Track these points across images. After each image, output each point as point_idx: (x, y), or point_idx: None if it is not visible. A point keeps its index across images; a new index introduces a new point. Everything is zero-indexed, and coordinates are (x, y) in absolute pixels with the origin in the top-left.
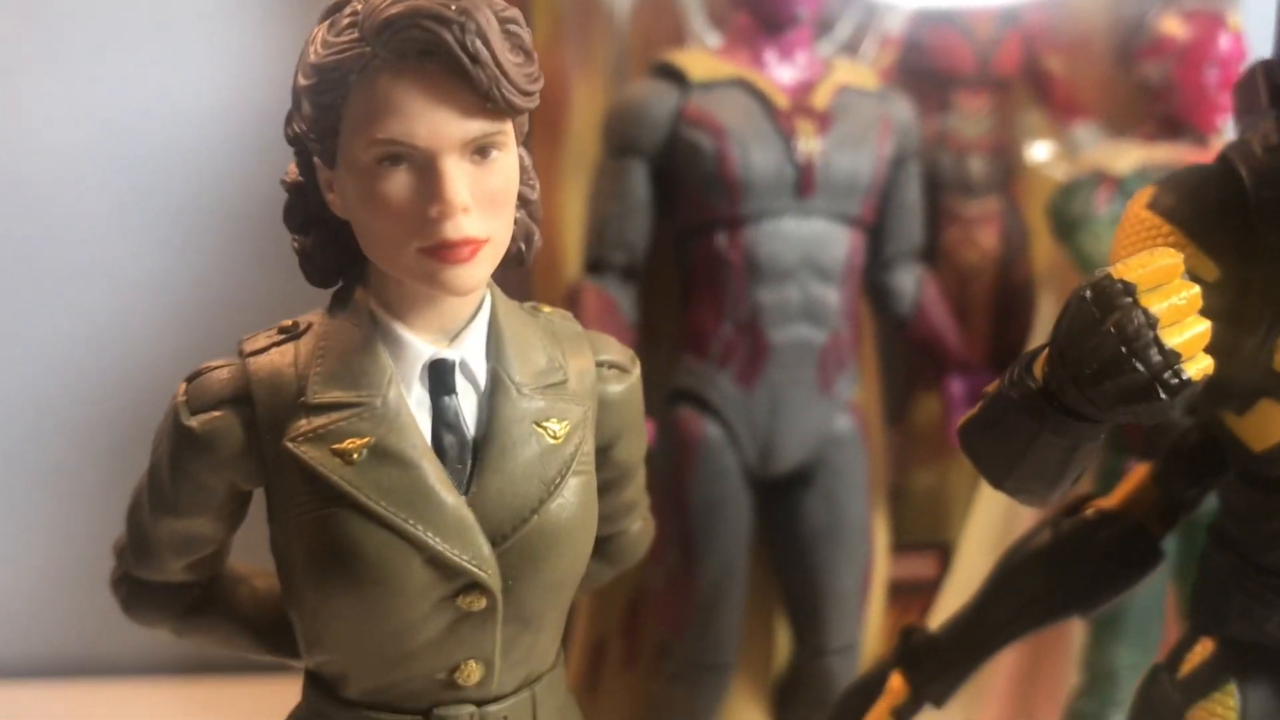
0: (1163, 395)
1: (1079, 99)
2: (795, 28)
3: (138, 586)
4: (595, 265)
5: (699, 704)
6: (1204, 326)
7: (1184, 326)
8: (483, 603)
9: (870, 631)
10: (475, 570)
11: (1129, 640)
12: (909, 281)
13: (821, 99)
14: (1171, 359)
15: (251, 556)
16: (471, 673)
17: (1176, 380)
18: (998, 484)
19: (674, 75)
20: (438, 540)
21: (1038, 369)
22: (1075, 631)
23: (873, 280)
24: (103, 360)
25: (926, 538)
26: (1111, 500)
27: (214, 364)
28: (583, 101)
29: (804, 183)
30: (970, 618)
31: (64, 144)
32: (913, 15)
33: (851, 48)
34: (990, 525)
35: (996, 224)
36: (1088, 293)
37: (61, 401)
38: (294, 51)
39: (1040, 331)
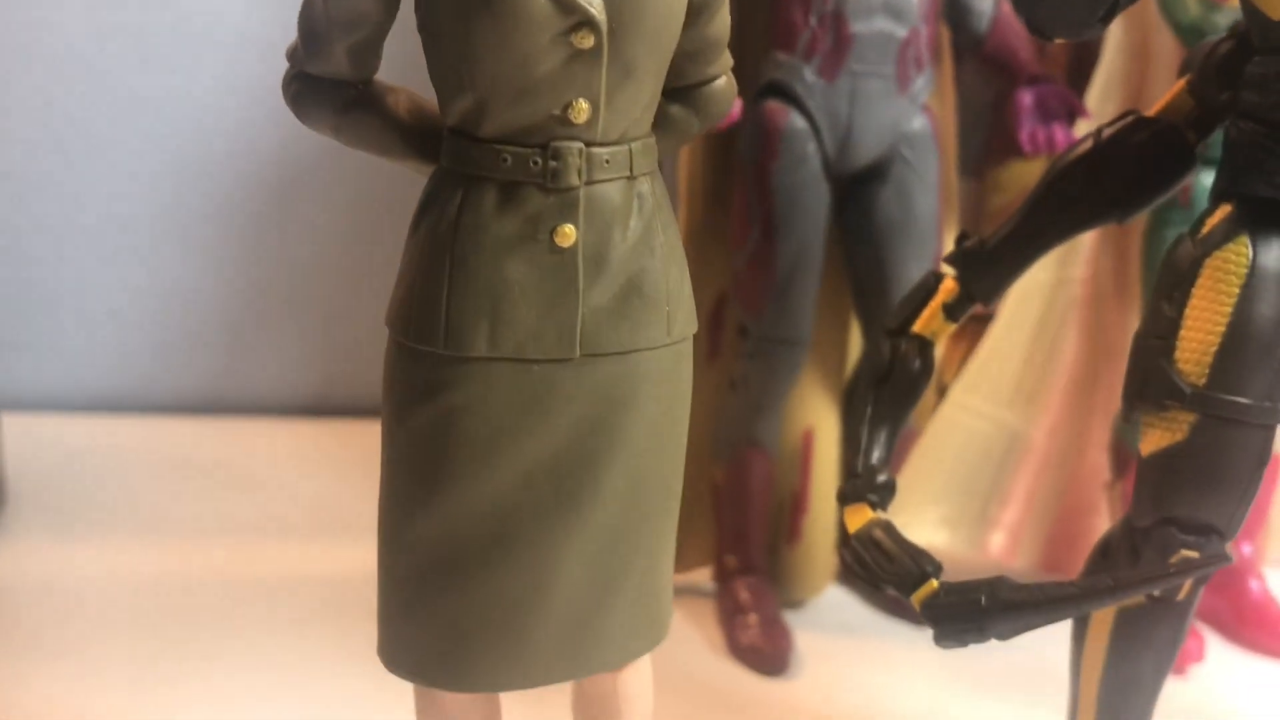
0: None
1: None
2: None
3: (306, 81)
4: None
5: (774, 379)
6: None
7: None
8: (590, 40)
9: None
10: (586, 7)
11: None
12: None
13: None
14: None
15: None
16: (581, 110)
17: None
18: (1029, 13)
19: None
20: None
21: None
22: None
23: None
24: (224, 122)
25: None
26: (1150, 111)
27: None
28: None
29: None
30: (1017, 222)
31: None
32: None
33: None
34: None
35: None
36: None
37: (190, 159)
38: None
39: (1111, 54)
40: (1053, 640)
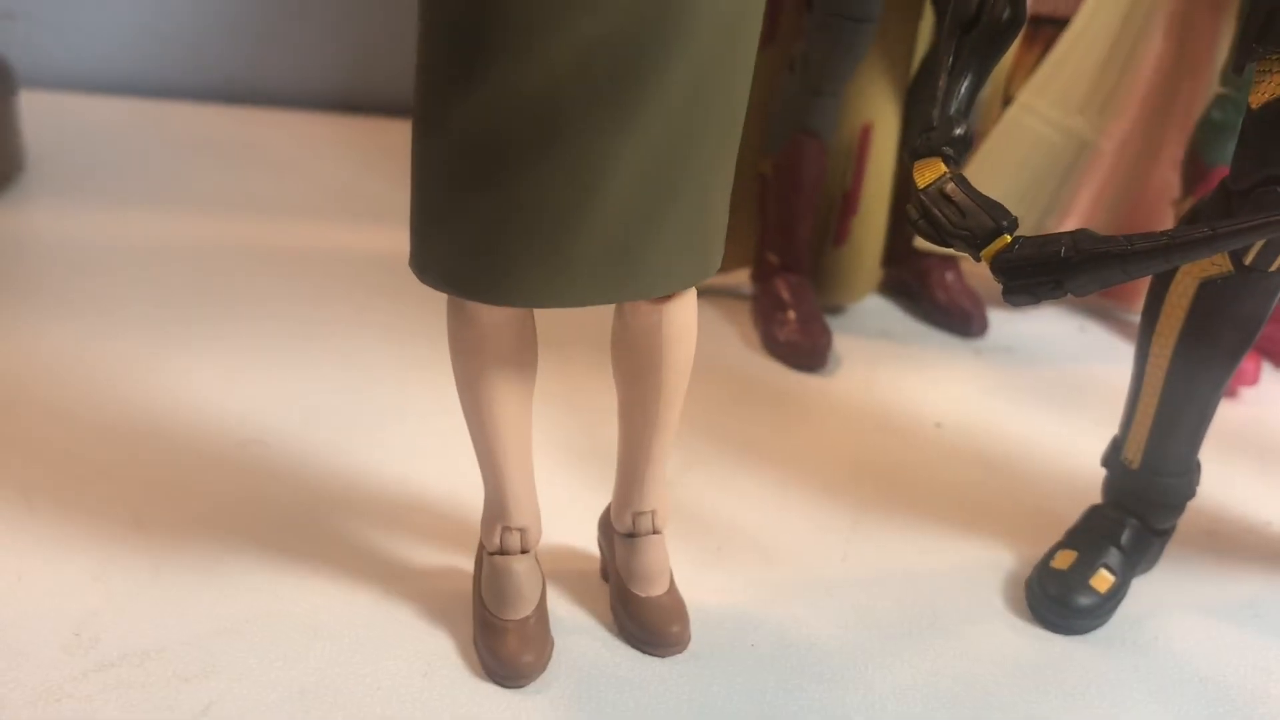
0: None
1: None
2: None
3: None
4: None
5: (838, 58)
6: None
7: None
8: None
9: None
10: None
11: None
12: None
13: None
14: None
15: None
16: None
17: None
18: None
19: None
20: None
21: None
22: (1222, 47)
23: None
24: None
25: None
26: None
27: None
28: None
29: None
30: None
31: None
32: None
33: None
34: None
35: None
36: None
37: None
38: None
39: None
40: (1087, 357)
